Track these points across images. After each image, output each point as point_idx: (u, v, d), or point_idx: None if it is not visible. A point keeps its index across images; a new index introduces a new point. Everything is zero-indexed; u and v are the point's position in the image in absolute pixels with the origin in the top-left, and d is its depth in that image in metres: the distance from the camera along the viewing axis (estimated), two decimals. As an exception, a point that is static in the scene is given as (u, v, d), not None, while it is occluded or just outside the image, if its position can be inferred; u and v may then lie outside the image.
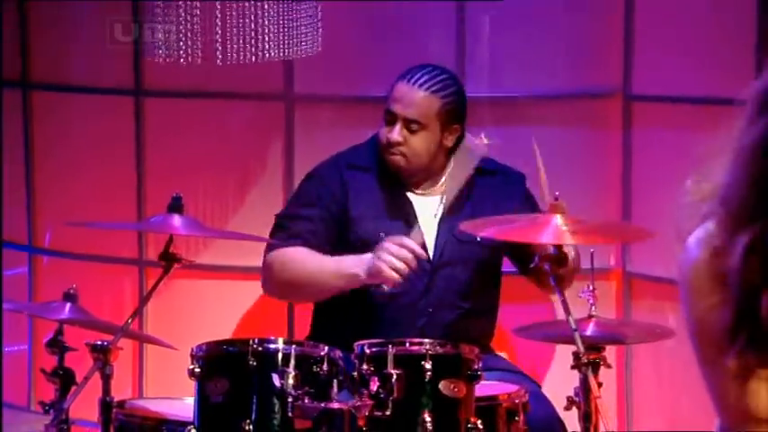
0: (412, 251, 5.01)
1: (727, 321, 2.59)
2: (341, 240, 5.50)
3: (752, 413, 2.67)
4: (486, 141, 5.96)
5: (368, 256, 5.07)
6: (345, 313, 5.33)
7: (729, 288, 2.59)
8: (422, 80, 5.21)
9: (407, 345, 4.74)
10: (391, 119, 5.29)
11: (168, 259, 5.00)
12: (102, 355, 4.92)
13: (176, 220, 5.04)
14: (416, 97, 5.19)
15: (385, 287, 5.06)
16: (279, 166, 6.28)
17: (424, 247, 5.40)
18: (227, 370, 4.83)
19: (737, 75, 5.67)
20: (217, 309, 6.22)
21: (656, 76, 6.14)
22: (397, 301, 5.26)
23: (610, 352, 5.54)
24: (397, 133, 5.17)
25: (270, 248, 5.36)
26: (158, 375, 5.87)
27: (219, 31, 5.46)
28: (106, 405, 4.98)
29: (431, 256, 5.46)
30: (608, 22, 6.30)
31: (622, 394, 6.46)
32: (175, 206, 5.08)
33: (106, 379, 5.04)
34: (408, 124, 5.17)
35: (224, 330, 6.08)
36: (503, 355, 5.90)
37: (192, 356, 4.85)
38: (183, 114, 6.44)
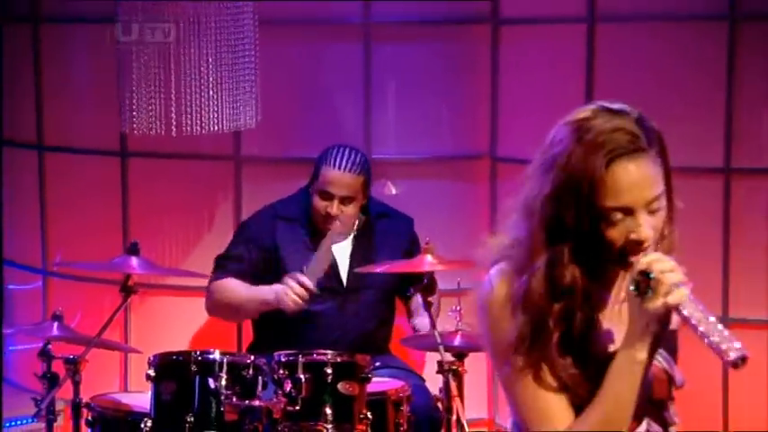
0: (305, 287, 5.04)
1: (517, 331, 2.64)
2: (274, 274, 5.42)
3: (545, 416, 2.70)
4: (392, 190, 6.11)
5: (277, 286, 5.10)
6: (278, 327, 5.26)
7: (520, 308, 2.65)
8: (347, 166, 5.25)
9: (314, 355, 4.74)
10: (327, 197, 5.31)
11: (126, 291, 5.01)
12: (72, 366, 4.85)
13: (133, 260, 5.04)
14: (346, 180, 5.24)
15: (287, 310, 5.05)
16: (229, 212, 6.20)
17: (330, 275, 5.46)
18: (175, 375, 4.79)
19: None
20: (184, 320, 6.11)
21: (519, 141, 5.82)
22: (317, 317, 5.24)
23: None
24: (335, 208, 5.22)
25: (211, 280, 5.38)
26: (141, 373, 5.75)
27: (174, 109, 5.39)
28: (75, 405, 4.91)
29: (344, 284, 5.45)
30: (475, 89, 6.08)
31: (491, 388, 6.29)
32: (133, 249, 5.12)
33: (76, 385, 4.97)
34: (342, 200, 5.22)
35: (187, 337, 6.07)
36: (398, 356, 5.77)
37: (149, 363, 4.80)
38: (159, 171, 6.32)
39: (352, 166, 5.22)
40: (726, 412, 5.45)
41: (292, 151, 5.66)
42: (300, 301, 5.02)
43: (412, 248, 5.69)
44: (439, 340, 5.14)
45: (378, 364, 5.44)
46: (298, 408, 4.60)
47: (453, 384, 5.18)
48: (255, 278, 5.46)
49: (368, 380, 4.85)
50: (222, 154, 6.06)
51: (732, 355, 2.43)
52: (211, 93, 5.49)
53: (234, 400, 4.63)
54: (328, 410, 4.63)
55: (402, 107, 6.06)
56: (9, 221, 6.93)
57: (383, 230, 5.76)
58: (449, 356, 5.31)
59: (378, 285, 5.54)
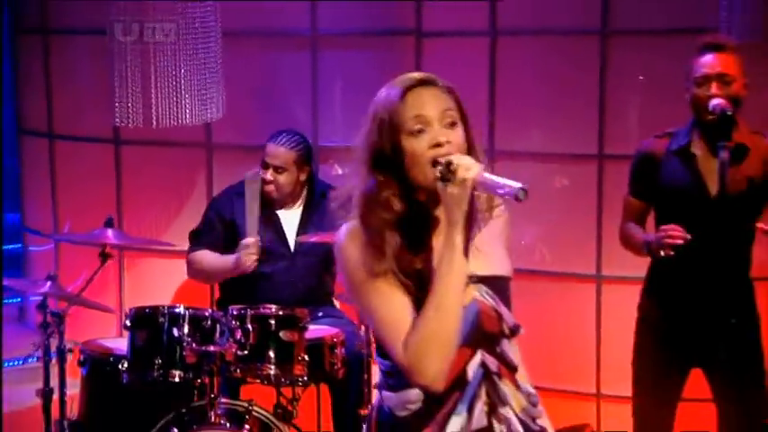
0: (251, 243, 5.05)
1: (363, 261, 2.62)
2: (233, 242, 5.38)
3: (397, 328, 2.60)
4: (338, 171, 5.98)
5: (235, 254, 5.09)
6: (238, 286, 5.23)
7: (364, 240, 2.65)
8: (281, 141, 5.20)
9: (260, 309, 4.69)
10: (265, 166, 5.25)
11: (103, 257, 5.00)
12: (57, 318, 4.83)
13: (109, 232, 5.04)
14: (279, 152, 5.16)
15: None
16: (203, 190, 6.16)
17: (280, 242, 5.47)
18: (147, 325, 4.76)
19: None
20: (168, 279, 6.05)
21: None
22: (269, 277, 5.21)
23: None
24: (269, 175, 5.16)
25: (188, 252, 5.38)
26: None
27: (153, 105, 5.32)
28: (61, 351, 4.89)
29: (291, 249, 5.42)
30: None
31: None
32: (108, 223, 5.11)
33: (60, 335, 4.92)
34: (276, 169, 5.15)
35: (170, 293, 6.00)
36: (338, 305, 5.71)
37: (126, 316, 4.81)
38: (145, 156, 6.31)
39: (286, 142, 5.18)
40: (598, 371, 5.39)
41: (254, 140, 5.56)
42: (254, 257, 5.00)
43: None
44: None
45: (320, 314, 5.49)
46: (246, 352, 4.57)
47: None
48: (223, 247, 5.41)
49: (305, 329, 4.80)
50: (196, 141, 6.00)
51: (520, 185, 2.44)
52: (183, 92, 5.40)
53: (194, 345, 4.61)
54: (272, 354, 4.61)
55: (345, 104, 5.95)
56: (28, 196, 7.03)
57: (326, 206, 5.56)
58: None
59: (319, 251, 5.39)
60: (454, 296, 2.56)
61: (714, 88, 4.05)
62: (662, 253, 4.07)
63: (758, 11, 4.65)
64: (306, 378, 4.87)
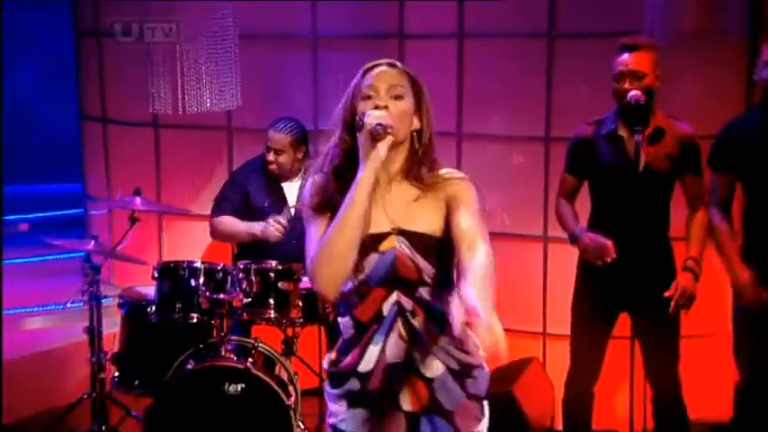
0: (284, 226, 4.94)
1: (313, 203, 2.70)
2: (248, 208, 5.32)
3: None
4: None
5: (263, 223, 5.01)
6: (252, 245, 5.11)
7: (314, 187, 2.71)
8: (278, 127, 5.10)
9: (263, 264, 4.67)
10: (267, 149, 5.19)
11: (132, 220, 5.01)
12: (94, 270, 4.82)
13: (137, 200, 5.01)
14: (277, 137, 5.08)
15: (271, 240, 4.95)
16: (224, 166, 6.10)
17: (284, 209, 5.28)
18: (170, 276, 4.78)
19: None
20: (199, 238, 5.95)
21: None
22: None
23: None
24: (271, 156, 5.09)
25: (211, 216, 5.28)
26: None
27: (180, 95, 5.37)
28: (96, 296, 4.87)
29: (291, 215, 5.27)
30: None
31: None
32: (137, 192, 5.07)
33: (97, 284, 4.86)
34: (276, 151, 5.08)
35: (201, 250, 5.92)
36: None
37: (154, 268, 4.81)
38: (178, 137, 6.27)
39: (283, 128, 5.09)
40: (544, 314, 5.40)
41: (266, 124, 5.37)
42: (280, 234, 4.92)
43: None
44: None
45: None
46: (251, 299, 4.57)
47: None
48: (239, 213, 5.31)
49: (300, 280, 4.75)
50: (219, 125, 6.00)
51: (376, 123, 2.53)
52: (206, 84, 5.42)
53: (208, 293, 4.66)
54: (272, 301, 4.59)
55: (340, 94, 5.83)
56: (88, 170, 7.05)
57: None
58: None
59: None
60: (349, 221, 2.56)
61: (628, 83, 4.05)
62: (596, 261, 4.12)
63: (673, 15, 4.65)
64: (302, 320, 4.84)
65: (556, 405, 4.84)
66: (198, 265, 4.75)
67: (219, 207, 5.32)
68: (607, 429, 4.85)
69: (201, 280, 4.70)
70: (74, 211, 7.11)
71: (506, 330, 5.34)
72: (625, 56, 4.10)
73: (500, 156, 5.36)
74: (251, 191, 5.31)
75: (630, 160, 4.09)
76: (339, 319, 2.79)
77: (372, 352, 2.69)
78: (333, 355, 2.81)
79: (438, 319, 2.71)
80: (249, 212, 5.30)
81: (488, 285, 2.49)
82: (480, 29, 5.36)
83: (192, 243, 6.07)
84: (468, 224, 2.63)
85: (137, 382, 4.85)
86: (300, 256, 5.11)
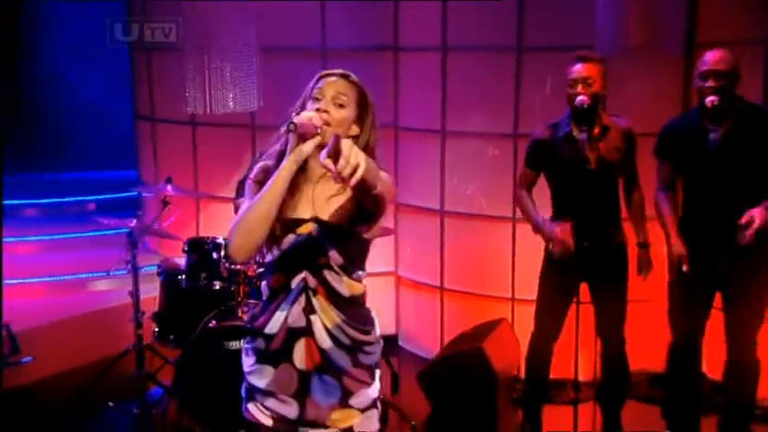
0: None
1: (260, 178, 2.65)
2: None
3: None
4: None
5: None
6: None
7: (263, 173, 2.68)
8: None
9: None
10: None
11: (164, 203, 4.92)
12: (133, 245, 4.84)
13: (168, 187, 4.95)
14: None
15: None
16: (249, 160, 5.88)
17: None
18: (197, 250, 4.86)
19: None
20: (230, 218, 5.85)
21: (415, 117, 5.80)
22: None
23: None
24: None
25: (234, 199, 4.61)
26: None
27: (208, 98, 5.30)
28: (134, 267, 4.87)
29: None
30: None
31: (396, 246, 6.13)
32: (168, 180, 5.03)
33: (134, 256, 4.86)
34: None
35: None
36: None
37: (184, 243, 4.86)
38: (212, 134, 6.24)
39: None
40: (513, 282, 5.36)
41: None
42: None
43: None
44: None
45: None
46: (263, 270, 4.38)
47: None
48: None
49: None
50: (244, 123, 5.97)
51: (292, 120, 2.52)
52: (229, 88, 5.38)
53: (227, 265, 4.68)
54: None
55: None
56: (140, 160, 7.03)
57: None
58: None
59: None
60: (265, 201, 2.52)
61: (579, 89, 4.06)
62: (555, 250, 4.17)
63: (621, 32, 4.65)
64: None
65: (521, 358, 4.84)
66: (220, 240, 4.79)
67: (240, 190, 5.23)
68: (561, 378, 4.82)
69: (222, 253, 4.74)
70: (131, 194, 7.14)
71: (481, 296, 5.43)
72: (578, 66, 4.11)
73: (478, 150, 5.36)
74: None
75: (586, 158, 4.06)
76: (262, 284, 2.81)
77: (278, 318, 2.68)
78: (253, 312, 2.83)
79: (339, 299, 2.69)
80: None
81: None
82: (461, 43, 5.36)
83: (223, 221, 5.82)
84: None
85: (172, 337, 4.91)
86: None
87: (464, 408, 4.85)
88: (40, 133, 8.79)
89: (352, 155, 2.22)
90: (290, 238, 2.64)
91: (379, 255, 5.80)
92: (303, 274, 2.65)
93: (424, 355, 5.75)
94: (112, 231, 6.30)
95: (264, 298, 2.77)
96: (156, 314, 5.02)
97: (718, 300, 4.23)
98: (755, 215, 3.76)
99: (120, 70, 7.52)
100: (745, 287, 4.09)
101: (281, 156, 2.65)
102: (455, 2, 5.35)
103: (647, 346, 4.89)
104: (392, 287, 6.07)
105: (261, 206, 2.53)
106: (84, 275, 6.32)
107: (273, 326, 2.69)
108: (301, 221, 2.65)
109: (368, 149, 2.65)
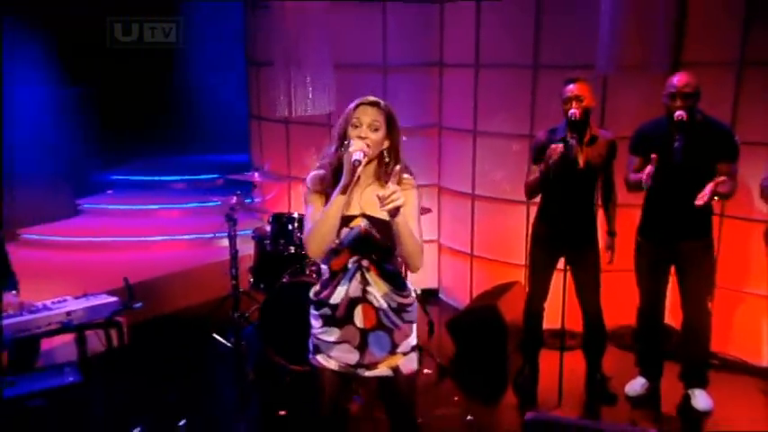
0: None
1: (314, 185, 2.67)
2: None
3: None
4: (404, 138, 5.62)
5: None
6: None
7: (315, 179, 2.69)
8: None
9: None
10: None
11: (252, 186, 5.09)
12: (232, 221, 4.89)
13: (256, 174, 5.10)
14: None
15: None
16: None
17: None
18: (278, 222, 4.86)
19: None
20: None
21: (456, 118, 5.65)
22: None
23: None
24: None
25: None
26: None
27: (293, 103, 5.17)
28: (232, 237, 4.91)
29: None
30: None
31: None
32: (257, 168, 5.13)
33: (233, 238, 4.96)
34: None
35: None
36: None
37: (269, 217, 4.88)
38: (300, 131, 6.12)
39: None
40: (526, 250, 5.14)
41: None
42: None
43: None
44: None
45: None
46: None
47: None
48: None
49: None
50: (322, 123, 5.76)
51: (357, 158, 2.46)
52: (308, 95, 5.27)
53: (299, 234, 4.70)
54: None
55: (403, 102, 5.50)
56: (251, 150, 6.94)
57: None
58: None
59: None
60: (329, 218, 2.53)
61: (572, 105, 3.92)
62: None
63: (617, 53, 4.45)
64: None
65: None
66: (294, 215, 4.79)
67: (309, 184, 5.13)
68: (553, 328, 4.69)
69: (296, 225, 4.75)
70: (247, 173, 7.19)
71: (501, 262, 5.28)
72: (571, 86, 3.96)
73: (501, 146, 5.20)
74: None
75: (576, 159, 3.96)
76: (321, 266, 2.79)
77: (340, 291, 2.71)
78: (317, 288, 2.82)
79: (385, 274, 2.70)
80: None
81: (413, 230, 2.54)
82: (490, 61, 5.20)
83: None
84: (406, 215, 2.57)
85: (262, 286, 4.92)
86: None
87: (481, 351, 4.81)
88: (186, 126, 8.93)
89: (396, 197, 2.39)
90: (345, 230, 2.65)
91: (426, 227, 5.75)
92: (357, 257, 2.68)
93: (457, 305, 5.67)
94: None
95: (325, 277, 2.77)
96: (251, 268, 5.05)
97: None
98: (706, 190, 3.61)
99: (245, 79, 7.57)
100: (698, 264, 3.97)
101: (334, 170, 2.66)
102: (485, 29, 5.18)
103: (631, 306, 4.68)
104: (435, 252, 5.97)
105: (327, 222, 2.56)
106: (209, 235, 6.30)
107: (337, 297, 2.71)
108: (352, 217, 2.66)
109: (394, 153, 2.68)
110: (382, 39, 5.63)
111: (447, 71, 5.57)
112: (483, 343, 4.75)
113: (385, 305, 2.71)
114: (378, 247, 2.66)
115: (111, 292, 3.98)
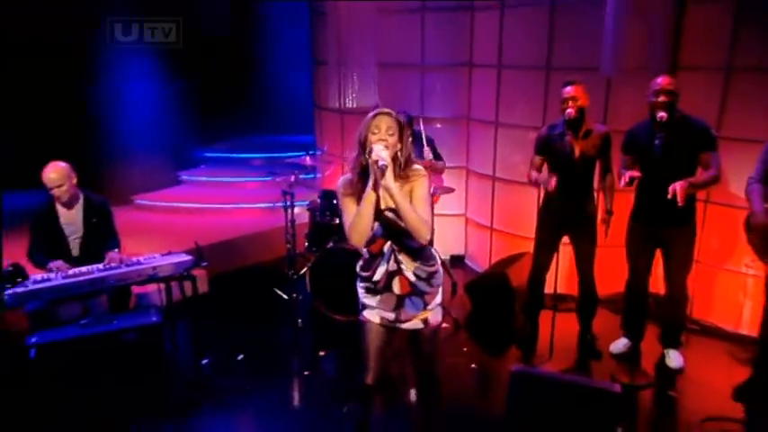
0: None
1: (345, 188, 2.70)
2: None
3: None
4: (438, 125, 5.69)
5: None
6: None
7: (346, 182, 2.71)
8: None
9: None
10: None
11: (303, 167, 4.90)
12: (289, 194, 4.92)
13: (307, 158, 5.08)
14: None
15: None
16: None
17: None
18: (325, 197, 4.96)
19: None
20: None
21: (482, 110, 5.65)
22: None
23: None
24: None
25: None
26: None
27: (344, 98, 5.27)
28: (285, 204, 4.91)
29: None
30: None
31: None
32: (306, 153, 5.10)
33: (290, 211, 4.98)
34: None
35: None
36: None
37: (318, 191, 4.97)
38: (351, 121, 5.96)
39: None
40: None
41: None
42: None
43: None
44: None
45: None
46: None
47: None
48: None
49: None
50: (367, 112, 5.62)
51: (383, 163, 2.48)
52: (355, 90, 5.33)
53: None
54: None
55: (437, 96, 5.75)
56: (316, 132, 7.03)
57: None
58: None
59: None
60: (365, 209, 2.61)
61: (568, 105, 3.94)
62: (549, 187, 4.02)
63: (621, 57, 4.40)
64: None
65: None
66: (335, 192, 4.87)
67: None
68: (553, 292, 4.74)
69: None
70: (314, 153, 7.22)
71: (515, 235, 5.31)
72: (568, 88, 3.98)
73: (518, 135, 5.21)
74: None
75: (573, 151, 3.99)
76: (362, 250, 2.86)
77: (380, 270, 2.79)
78: (362, 264, 2.88)
79: (413, 252, 2.78)
80: None
81: (418, 212, 2.58)
82: (510, 63, 5.21)
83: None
84: (415, 203, 2.66)
85: (314, 249, 4.96)
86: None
87: (492, 311, 4.88)
88: (264, 113, 9.11)
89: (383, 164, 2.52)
90: (376, 223, 2.74)
91: (454, 203, 5.86)
92: (390, 243, 2.76)
93: (478, 270, 5.73)
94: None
95: (366, 257, 2.85)
96: (307, 234, 5.12)
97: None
98: (676, 186, 3.62)
99: (311, 75, 7.66)
100: (680, 249, 3.95)
101: (361, 172, 2.70)
102: (507, 35, 5.18)
103: (622, 277, 4.69)
104: (463, 224, 6.04)
105: (364, 218, 2.63)
106: (277, 204, 6.36)
107: (377, 274, 2.81)
108: (383, 211, 2.73)
109: (405, 151, 2.72)
110: (421, 42, 5.68)
111: (475, 71, 5.59)
112: (494, 304, 4.83)
113: (414, 278, 2.80)
114: (403, 232, 2.71)
115: (198, 250, 4.16)
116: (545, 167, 4.25)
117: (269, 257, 5.90)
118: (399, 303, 2.84)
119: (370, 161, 2.60)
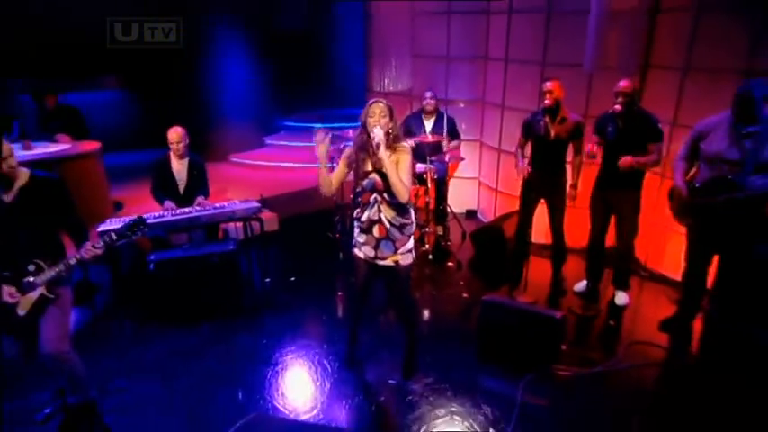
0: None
1: (347, 160, 2.74)
2: (407, 133, 4.76)
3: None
4: (461, 105, 5.59)
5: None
6: None
7: (349, 157, 2.78)
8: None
9: None
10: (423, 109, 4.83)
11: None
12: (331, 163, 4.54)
13: (350, 131, 4.85)
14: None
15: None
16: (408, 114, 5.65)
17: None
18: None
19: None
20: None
21: (497, 95, 5.66)
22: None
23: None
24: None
25: None
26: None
27: (390, 79, 5.35)
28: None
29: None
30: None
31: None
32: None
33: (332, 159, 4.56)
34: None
35: None
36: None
37: None
38: (396, 100, 5.91)
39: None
40: None
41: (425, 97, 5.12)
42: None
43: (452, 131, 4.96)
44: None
45: (433, 158, 4.78)
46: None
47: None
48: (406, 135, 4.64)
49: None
50: (403, 93, 5.87)
51: (377, 141, 2.48)
52: (393, 76, 5.52)
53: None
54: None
55: (460, 81, 5.71)
56: None
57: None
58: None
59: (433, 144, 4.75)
60: (335, 174, 2.73)
61: (546, 97, 4.03)
62: (521, 176, 4.16)
63: (599, 55, 4.45)
64: (418, 185, 4.78)
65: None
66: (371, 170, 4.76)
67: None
68: (539, 242, 4.92)
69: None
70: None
71: (513, 195, 5.41)
72: (547, 83, 4.06)
73: (518, 117, 5.02)
74: (413, 128, 4.97)
75: (549, 133, 4.08)
76: (355, 200, 2.98)
77: (366, 215, 2.93)
78: (357, 210, 3.00)
79: (392, 206, 2.86)
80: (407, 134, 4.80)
81: (400, 175, 2.65)
82: (514, 57, 5.23)
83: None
84: (399, 171, 2.75)
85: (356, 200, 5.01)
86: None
87: (489, 255, 4.99)
88: (331, 90, 9.35)
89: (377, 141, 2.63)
90: (364, 180, 2.88)
91: (471, 169, 5.98)
92: (374, 196, 2.90)
93: (487, 222, 5.79)
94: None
95: (359, 206, 2.99)
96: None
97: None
98: (627, 159, 3.77)
99: (364, 62, 7.66)
100: (626, 209, 4.05)
101: (357, 148, 2.81)
102: (513, 35, 5.22)
103: (582, 230, 4.80)
104: (476, 186, 6.10)
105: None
106: (330, 165, 6.47)
107: (364, 217, 2.94)
108: (369, 172, 2.87)
109: (395, 130, 2.82)
110: (447, 38, 5.71)
111: (489, 63, 5.59)
112: (490, 250, 4.98)
113: (389, 225, 2.89)
114: (385, 190, 2.86)
115: (263, 200, 4.40)
116: (528, 147, 4.39)
117: (326, 206, 6.17)
118: (377, 244, 2.90)
119: (370, 140, 2.76)
